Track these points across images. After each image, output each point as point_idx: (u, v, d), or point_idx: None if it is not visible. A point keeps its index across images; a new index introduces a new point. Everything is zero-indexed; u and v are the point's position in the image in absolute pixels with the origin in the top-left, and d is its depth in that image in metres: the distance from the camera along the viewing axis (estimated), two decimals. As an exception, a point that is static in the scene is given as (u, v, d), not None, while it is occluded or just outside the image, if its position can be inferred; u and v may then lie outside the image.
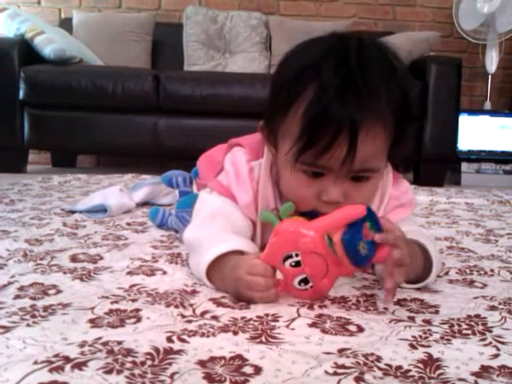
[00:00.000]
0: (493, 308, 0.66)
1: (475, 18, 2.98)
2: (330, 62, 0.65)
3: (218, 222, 0.75)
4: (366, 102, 0.63)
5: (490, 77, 3.16)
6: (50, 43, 2.48)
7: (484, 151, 2.88)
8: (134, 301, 0.64)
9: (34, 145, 2.59)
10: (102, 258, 0.83)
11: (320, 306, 0.65)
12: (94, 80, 2.45)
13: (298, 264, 0.64)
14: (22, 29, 2.51)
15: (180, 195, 1.07)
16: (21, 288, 0.66)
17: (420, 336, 0.56)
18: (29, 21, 2.57)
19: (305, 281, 0.65)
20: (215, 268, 0.69)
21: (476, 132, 2.90)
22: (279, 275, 0.66)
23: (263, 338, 0.54)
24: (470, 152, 2.87)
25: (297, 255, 0.63)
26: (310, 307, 0.64)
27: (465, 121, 2.83)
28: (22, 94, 2.46)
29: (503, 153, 2.87)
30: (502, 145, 2.89)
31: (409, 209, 0.83)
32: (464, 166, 2.83)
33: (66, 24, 2.95)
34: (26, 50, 2.49)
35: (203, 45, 2.92)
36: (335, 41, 0.69)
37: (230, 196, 0.77)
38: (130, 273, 0.76)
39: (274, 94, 0.72)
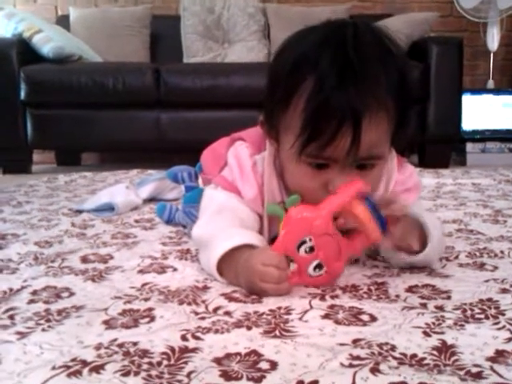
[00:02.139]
0: (504, 291, 0.66)
1: (475, -5, 2.95)
2: (327, 51, 0.64)
3: (226, 217, 0.75)
4: (367, 89, 0.63)
5: (491, 55, 3.13)
6: (49, 42, 2.48)
7: (488, 130, 2.85)
8: (146, 300, 0.64)
9: (37, 145, 2.60)
10: (112, 258, 0.84)
11: (332, 297, 0.65)
12: (95, 77, 2.45)
13: (312, 249, 0.65)
14: (20, 28, 2.50)
15: (186, 190, 1.07)
16: (34, 292, 0.67)
17: (433, 323, 0.56)
18: (26, 20, 2.56)
19: (319, 266, 0.66)
20: (226, 263, 0.69)
21: (480, 111, 2.88)
22: (292, 268, 0.67)
23: (277, 332, 0.54)
24: (474, 132, 2.85)
25: (310, 240, 0.65)
26: (322, 298, 0.64)
27: (468, 100, 2.81)
28: (22, 95, 2.46)
29: (508, 131, 2.85)
30: (506, 123, 2.87)
31: (415, 193, 0.82)
32: (469, 146, 2.80)
33: (63, 21, 2.94)
34: (24, 49, 2.48)
35: (201, 36, 2.91)
36: (330, 29, 0.68)
37: (235, 191, 0.77)
38: (141, 271, 0.76)
39: (271, 89, 0.71)
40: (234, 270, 0.68)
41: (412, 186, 0.82)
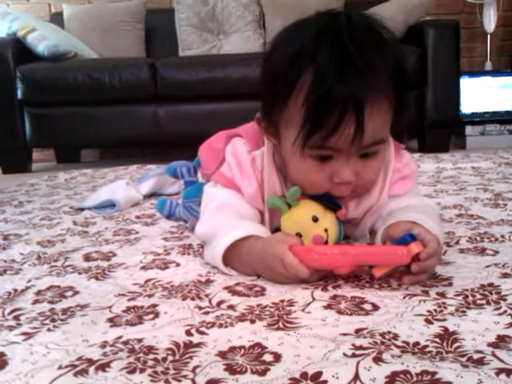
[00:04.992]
0: (506, 275, 0.66)
1: (470, -24, 2.93)
2: (324, 43, 0.64)
3: (227, 213, 0.75)
4: (366, 76, 0.63)
5: (488, 36, 3.11)
6: (43, 40, 2.47)
7: (487, 112, 2.85)
8: (150, 296, 0.64)
9: (36, 143, 2.60)
10: (115, 255, 0.84)
11: (334, 287, 0.65)
12: (91, 73, 2.44)
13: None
14: (14, 27, 2.50)
15: (185, 185, 1.08)
16: (38, 292, 0.67)
17: (435, 310, 0.56)
18: (19, 19, 2.55)
19: None
20: (233, 254, 0.70)
21: (478, 94, 2.87)
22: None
23: (280, 324, 0.54)
24: (473, 114, 2.85)
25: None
26: (324, 289, 0.65)
27: (466, 83, 2.80)
28: (20, 94, 2.46)
29: (507, 112, 2.85)
30: (505, 105, 2.86)
31: (411, 181, 0.82)
32: (468, 129, 2.80)
33: (56, 19, 2.93)
34: (19, 48, 2.48)
35: (196, 28, 2.89)
36: (324, 21, 0.68)
37: (235, 187, 0.77)
38: (143, 268, 0.77)
39: (268, 86, 0.71)
40: (247, 261, 0.69)
41: (408, 174, 0.82)
